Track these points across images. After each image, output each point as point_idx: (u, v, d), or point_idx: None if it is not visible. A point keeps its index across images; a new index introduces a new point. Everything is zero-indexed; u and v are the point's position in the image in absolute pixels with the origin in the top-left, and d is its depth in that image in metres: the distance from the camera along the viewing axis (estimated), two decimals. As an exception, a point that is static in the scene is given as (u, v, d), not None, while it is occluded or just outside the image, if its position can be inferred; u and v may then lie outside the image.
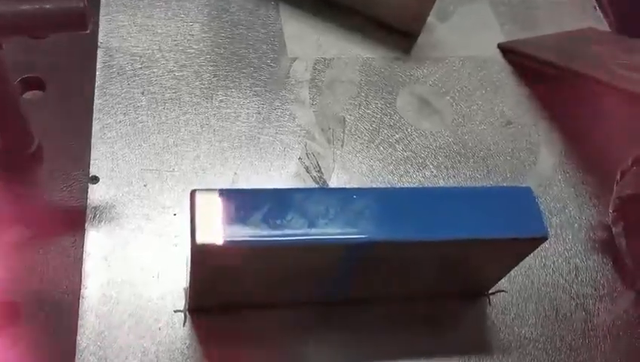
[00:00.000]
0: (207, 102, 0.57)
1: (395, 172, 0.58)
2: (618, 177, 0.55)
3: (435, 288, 0.50)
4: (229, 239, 0.37)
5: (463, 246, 0.43)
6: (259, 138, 0.56)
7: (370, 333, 0.48)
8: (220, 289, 0.43)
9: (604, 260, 0.56)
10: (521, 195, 0.44)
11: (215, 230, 0.37)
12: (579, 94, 0.66)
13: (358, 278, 0.45)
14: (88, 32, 0.39)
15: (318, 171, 0.56)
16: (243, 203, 0.39)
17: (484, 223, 0.42)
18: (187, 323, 0.45)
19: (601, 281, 0.55)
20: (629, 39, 0.71)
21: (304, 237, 0.38)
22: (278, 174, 0.55)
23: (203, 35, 0.62)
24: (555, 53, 0.68)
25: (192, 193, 0.39)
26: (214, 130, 0.56)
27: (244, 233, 0.37)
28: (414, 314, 0.50)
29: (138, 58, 0.59)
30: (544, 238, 0.43)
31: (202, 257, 0.38)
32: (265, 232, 0.38)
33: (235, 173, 0.54)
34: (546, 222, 0.43)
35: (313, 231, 0.38)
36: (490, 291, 0.52)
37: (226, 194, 0.39)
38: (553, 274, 0.54)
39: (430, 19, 0.69)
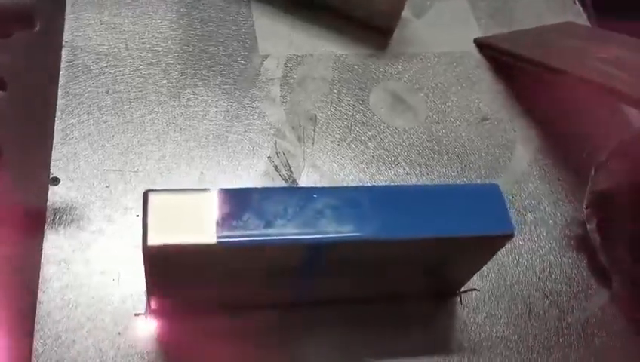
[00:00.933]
0: (174, 100, 0.56)
1: (366, 170, 0.57)
2: (592, 172, 0.54)
3: (405, 288, 0.49)
4: (180, 241, 0.36)
5: (429, 245, 0.42)
6: (227, 137, 0.55)
7: (338, 335, 0.47)
8: (180, 292, 0.42)
9: (579, 257, 0.55)
10: (489, 192, 0.43)
11: (168, 232, 0.36)
12: (556, 89, 0.65)
13: (323, 279, 0.44)
14: (37, 29, 0.38)
15: (288, 170, 0.55)
16: (198, 204, 0.38)
17: (450, 221, 0.41)
18: (148, 327, 0.44)
19: (576, 278, 0.54)
20: (607, 32, 0.70)
21: (259, 238, 0.37)
22: (247, 173, 0.54)
23: (171, 33, 0.61)
24: (532, 48, 0.67)
25: (146, 193, 0.38)
26: (181, 129, 0.55)
27: (197, 235, 0.36)
28: (383, 315, 0.49)
29: (104, 57, 0.58)
30: (511, 235, 0.42)
31: (154, 259, 0.37)
32: (219, 234, 0.37)
33: (202, 173, 0.53)
34: (513, 219, 0.42)
35: (269, 231, 0.37)
36: (461, 290, 0.51)
37: (181, 194, 0.38)
38: (527, 271, 0.53)
39: (406, 14, 0.68)
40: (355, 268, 0.43)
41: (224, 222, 0.37)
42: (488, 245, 0.43)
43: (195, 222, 0.37)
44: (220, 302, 0.45)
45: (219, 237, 0.36)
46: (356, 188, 0.48)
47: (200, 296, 0.44)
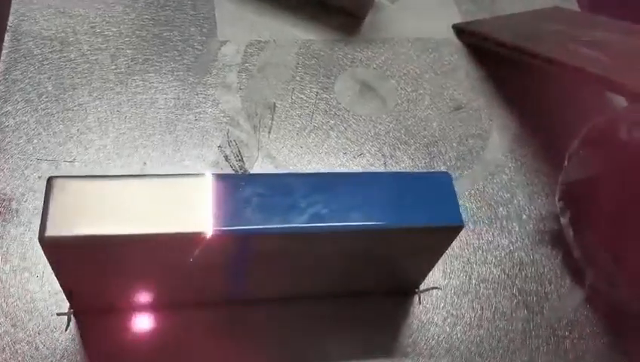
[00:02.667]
0: (120, 87, 0.53)
1: (326, 161, 0.53)
2: (565, 162, 0.50)
3: (354, 285, 0.45)
4: (82, 232, 0.33)
5: (370, 237, 0.38)
6: (176, 125, 0.52)
7: (282, 337, 0.44)
8: (97, 289, 0.39)
9: (553, 254, 0.51)
10: (438, 181, 0.40)
11: (70, 222, 0.33)
12: (536, 76, 0.61)
13: (259, 275, 0.41)
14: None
15: (240, 160, 0.51)
16: (106, 191, 0.34)
17: (393, 211, 0.38)
18: (70, 327, 0.41)
19: (548, 276, 0.50)
20: (593, 16, 0.66)
21: (166, 231, 0.33)
22: (194, 164, 0.50)
23: (124, 17, 0.58)
24: (513, 33, 0.63)
25: (50, 179, 0.34)
26: (126, 118, 0.51)
27: (101, 226, 0.33)
28: (331, 314, 0.45)
29: (49, 42, 0.54)
30: (459, 227, 0.38)
31: (54, 253, 0.34)
32: (126, 225, 0.33)
33: (145, 164, 0.49)
34: (462, 210, 0.38)
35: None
36: (420, 288, 0.47)
37: (91, 181, 0.35)
38: (494, 269, 0.50)
39: (380, -1, 0.65)
40: (293, 263, 0.40)
41: (135, 211, 0.34)
42: (436, 238, 0.40)
43: (100, 212, 0.34)
44: (146, 300, 0.41)
45: (125, 229, 0.33)
46: (293, 175, 0.45)
47: (125, 294, 0.40)
